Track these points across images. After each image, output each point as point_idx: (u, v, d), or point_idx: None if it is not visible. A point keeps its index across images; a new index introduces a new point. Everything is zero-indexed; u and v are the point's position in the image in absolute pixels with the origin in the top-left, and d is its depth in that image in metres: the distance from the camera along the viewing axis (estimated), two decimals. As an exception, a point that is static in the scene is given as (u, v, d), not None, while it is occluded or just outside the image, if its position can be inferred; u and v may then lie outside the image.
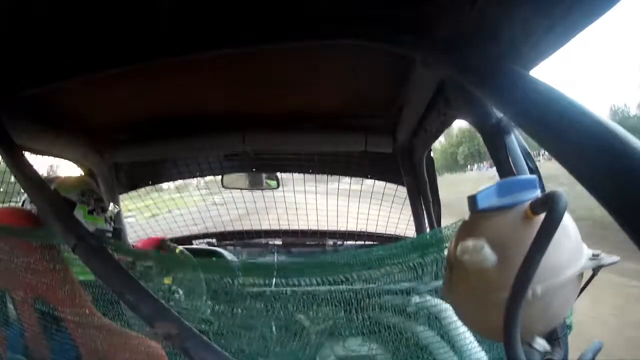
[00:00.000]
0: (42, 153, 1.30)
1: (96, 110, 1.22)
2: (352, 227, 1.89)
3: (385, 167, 1.61)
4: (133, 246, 1.41)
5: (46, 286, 0.78)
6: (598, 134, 0.38)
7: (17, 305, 0.79)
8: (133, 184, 1.76)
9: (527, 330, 0.41)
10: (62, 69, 0.76)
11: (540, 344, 0.48)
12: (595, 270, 0.44)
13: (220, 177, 1.84)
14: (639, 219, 0.34)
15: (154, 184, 1.85)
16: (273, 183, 1.90)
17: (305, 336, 0.84)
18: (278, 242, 1.94)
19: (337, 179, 1.82)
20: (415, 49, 0.68)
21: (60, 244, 0.75)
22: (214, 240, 1.92)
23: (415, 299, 0.88)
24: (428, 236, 0.90)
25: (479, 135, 0.71)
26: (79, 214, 1.06)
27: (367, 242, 1.89)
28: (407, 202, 1.54)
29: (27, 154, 0.83)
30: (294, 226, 1.95)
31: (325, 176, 1.83)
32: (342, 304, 0.80)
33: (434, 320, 0.86)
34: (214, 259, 1.56)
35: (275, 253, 1.87)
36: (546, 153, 0.48)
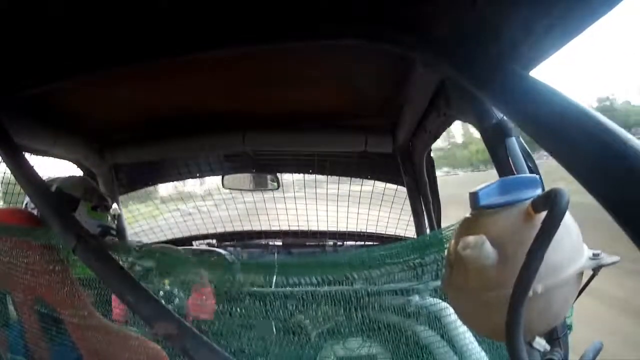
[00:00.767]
0: (42, 153, 1.30)
1: (96, 110, 1.22)
2: (352, 227, 1.89)
3: (385, 167, 1.61)
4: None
5: (46, 287, 0.78)
6: (598, 134, 0.38)
7: (17, 306, 0.79)
8: (133, 185, 1.75)
9: (527, 329, 0.41)
10: (62, 69, 0.76)
11: (540, 343, 0.48)
12: (595, 270, 0.44)
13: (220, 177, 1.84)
14: (639, 219, 0.34)
15: (154, 184, 1.86)
16: (273, 184, 1.90)
17: (305, 336, 0.84)
18: (278, 242, 1.94)
19: (337, 181, 1.82)
20: (415, 49, 0.68)
21: (60, 244, 0.75)
22: (214, 241, 1.92)
23: (416, 299, 0.88)
24: (428, 237, 0.90)
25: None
26: (83, 210, 1.06)
27: (367, 243, 1.89)
28: (407, 202, 1.54)
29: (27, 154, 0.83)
30: (294, 227, 1.95)
31: (325, 178, 1.83)
32: (343, 304, 0.80)
33: (435, 320, 0.86)
34: (213, 259, 1.56)
35: (276, 254, 1.87)
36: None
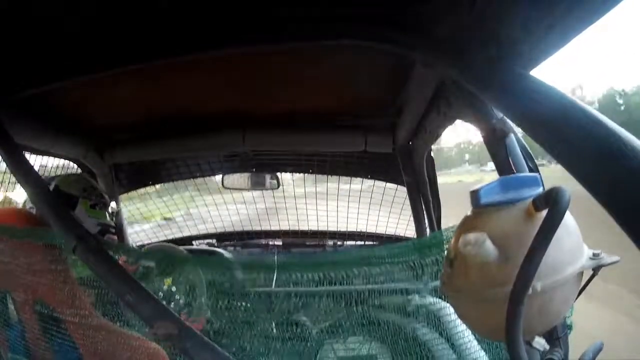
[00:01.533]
0: (42, 153, 1.30)
1: (96, 110, 1.22)
2: (352, 227, 1.89)
3: (385, 167, 1.61)
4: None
5: (47, 287, 0.78)
6: (598, 134, 0.38)
7: (18, 307, 0.79)
8: (133, 185, 1.76)
9: (526, 328, 0.41)
10: (62, 69, 0.76)
11: (540, 343, 0.48)
12: (595, 270, 0.44)
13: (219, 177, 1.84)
14: (639, 219, 0.34)
15: (154, 184, 1.85)
16: (273, 183, 1.90)
17: (305, 335, 0.84)
18: (278, 242, 1.94)
19: (336, 180, 1.82)
20: (415, 49, 0.68)
21: (61, 244, 0.75)
22: (214, 241, 1.92)
23: (416, 298, 0.88)
24: (428, 237, 0.90)
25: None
26: (82, 208, 1.06)
27: (367, 242, 1.89)
28: (407, 202, 1.54)
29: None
30: (294, 226, 1.95)
31: (325, 178, 1.83)
32: (343, 304, 0.80)
33: (434, 320, 0.87)
34: (213, 258, 1.56)
35: (276, 253, 1.87)
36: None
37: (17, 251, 0.78)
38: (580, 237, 0.44)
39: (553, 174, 0.72)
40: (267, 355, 0.81)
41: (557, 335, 0.59)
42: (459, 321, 0.81)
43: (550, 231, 0.38)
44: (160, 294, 1.02)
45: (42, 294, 0.79)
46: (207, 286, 0.94)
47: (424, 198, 1.40)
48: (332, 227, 1.93)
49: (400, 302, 0.87)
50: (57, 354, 0.77)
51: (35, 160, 1.30)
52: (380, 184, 1.74)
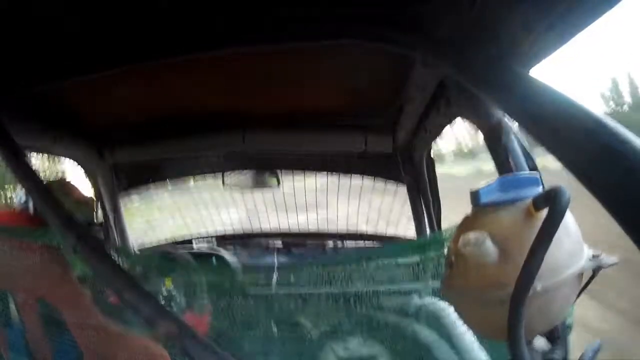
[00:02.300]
0: (42, 153, 1.30)
1: (96, 110, 1.22)
2: (352, 227, 1.89)
3: (385, 167, 1.61)
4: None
5: (47, 287, 0.79)
6: (598, 133, 0.38)
7: (18, 306, 0.79)
8: (133, 184, 1.75)
9: (527, 328, 0.41)
10: (62, 69, 0.76)
11: (540, 343, 0.48)
12: (595, 270, 0.44)
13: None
14: (639, 219, 0.34)
15: (154, 184, 1.85)
16: (274, 182, 1.90)
17: (306, 337, 0.84)
18: (278, 243, 1.94)
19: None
20: (415, 49, 0.68)
21: (61, 244, 0.75)
22: (214, 242, 1.92)
23: (416, 299, 0.88)
24: (428, 237, 0.90)
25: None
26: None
27: (367, 242, 1.89)
28: (407, 202, 1.54)
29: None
30: (294, 227, 1.95)
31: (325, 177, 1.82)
32: (343, 305, 0.80)
33: (434, 320, 0.86)
34: (214, 260, 1.56)
35: (276, 254, 1.86)
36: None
37: (18, 251, 0.78)
38: (580, 237, 0.44)
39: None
40: (267, 357, 0.81)
41: (557, 335, 0.59)
42: (459, 322, 0.81)
43: (551, 231, 0.38)
44: (161, 294, 1.02)
45: (42, 294, 0.79)
46: (207, 287, 0.94)
47: (424, 198, 1.40)
48: (332, 228, 1.93)
49: (400, 303, 0.87)
50: (57, 354, 0.77)
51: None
52: (381, 183, 1.74)
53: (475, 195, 0.45)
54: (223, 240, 1.94)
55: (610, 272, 0.46)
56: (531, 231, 0.39)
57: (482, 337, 0.77)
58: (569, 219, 0.43)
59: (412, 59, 0.80)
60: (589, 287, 0.46)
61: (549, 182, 0.45)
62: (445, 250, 0.59)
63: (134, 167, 1.66)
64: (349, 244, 1.91)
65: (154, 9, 0.63)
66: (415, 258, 0.74)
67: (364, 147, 1.43)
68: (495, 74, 0.53)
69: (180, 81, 1.03)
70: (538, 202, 0.41)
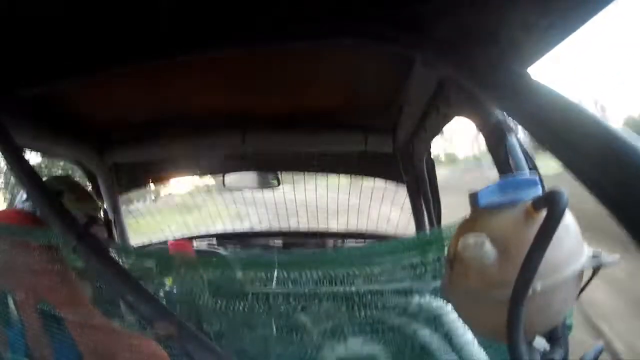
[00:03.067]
0: (42, 153, 1.30)
1: (96, 110, 1.22)
2: (352, 227, 1.89)
3: (385, 167, 1.61)
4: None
5: (47, 286, 0.79)
6: (597, 134, 0.38)
7: (18, 306, 0.79)
8: (133, 185, 1.75)
9: (527, 328, 0.41)
10: (62, 69, 0.76)
11: (540, 343, 0.48)
12: (596, 269, 0.44)
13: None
14: (639, 219, 0.34)
15: (154, 184, 1.85)
16: (274, 182, 1.90)
17: (306, 336, 0.84)
18: (278, 242, 1.94)
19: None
20: (415, 49, 0.68)
21: (61, 244, 0.75)
22: (214, 241, 1.92)
23: (417, 298, 0.88)
24: (429, 235, 0.90)
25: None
26: (66, 201, 1.06)
27: (367, 241, 1.89)
28: (407, 202, 1.54)
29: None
30: (294, 226, 1.95)
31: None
32: (344, 304, 0.80)
33: (435, 320, 0.86)
34: (214, 259, 1.56)
35: (276, 253, 1.87)
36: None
37: (17, 250, 0.78)
38: (580, 236, 0.44)
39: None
40: (267, 357, 0.81)
41: (557, 335, 0.59)
42: (460, 322, 0.81)
43: (550, 231, 0.38)
44: (161, 294, 1.02)
45: (42, 294, 0.79)
46: (207, 287, 0.94)
47: (424, 198, 1.40)
48: (333, 227, 1.93)
49: (400, 302, 0.87)
50: (57, 353, 0.77)
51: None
52: (381, 183, 1.74)
53: (474, 197, 0.45)
54: (223, 239, 1.95)
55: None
56: (531, 232, 0.39)
57: (482, 337, 0.77)
58: (568, 218, 0.43)
59: (412, 59, 0.80)
60: None
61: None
62: (445, 249, 0.59)
63: (134, 167, 1.66)
64: (350, 244, 1.91)
65: (154, 9, 0.63)
66: (416, 257, 0.74)
67: (364, 147, 1.43)
68: (495, 74, 0.53)
69: (180, 81, 1.03)
70: (537, 204, 0.41)
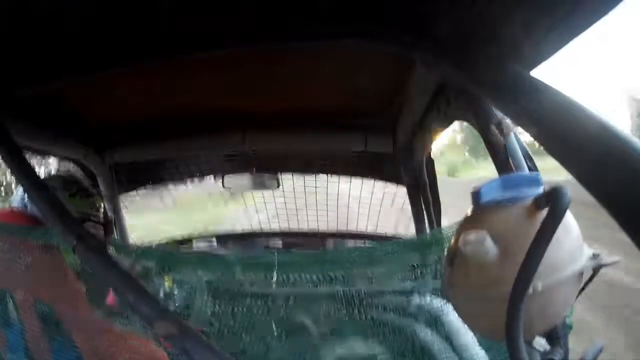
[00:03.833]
0: (42, 153, 1.30)
1: (96, 110, 1.22)
2: (352, 227, 1.89)
3: (385, 167, 1.61)
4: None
5: (46, 287, 0.78)
6: (598, 134, 0.38)
7: (17, 306, 0.79)
8: (133, 185, 1.76)
9: (527, 328, 0.41)
10: (62, 69, 0.76)
11: (540, 343, 0.48)
12: (596, 270, 0.44)
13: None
14: (639, 219, 0.34)
15: (154, 184, 1.86)
16: (273, 183, 1.90)
17: (306, 337, 0.84)
18: (278, 243, 1.94)
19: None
20: (415, 49, 0.68)
21: (60, 244, 0.75)
22: (213, 241, 1.92)
23: (416, 299, 0.88)
24: (429, 236, 0.90)
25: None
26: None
27: (367, 242, 1.89)
28: (407, 202, 1.53)
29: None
30: (294, 227, 1.95)
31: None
32: (344, 305, 0.80)
33: (435, 321, 0.86)
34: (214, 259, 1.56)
35: (276, 254, 1.86)
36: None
37: (17, 250, 0.77)
38: (580, 236, 0.44)
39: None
40: (267, 357, 0.81)
41: (557, 335, 0.59)
42: (460, 322, 0.81)
43: (551, 230, 0.38)
44: (161, 293, 1.02)
45: (41, 294, 0.79)
46: (206, 288, 0.94)
47: (424, 198, 1.40)
48: (332, 228, 1.93)
49: (401, 303, 0.87)
50: (56, 353, 0.77)
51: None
52: (381, 183, 1.74)
53: (476, 194, 0.45)
54: (223, 239, 1.95)
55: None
56: (532, 230, 0.39)
57: (482, 336, 0.77)
58: (569, 217, 0.43)
59: (412, 59, 0.80)
60: None
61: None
62: (446, 249, 0.59)
63: (134, 167, 1.66)
64: (350, 244, 1.91)
65: (154, 8, 0.63)
66: (416, 257, 0.74)
67: (364, 147, 1.43)
68: (496, 74, 0.53)
69: (180, 81, 1.03)
70: (539, 202, 0.41)
